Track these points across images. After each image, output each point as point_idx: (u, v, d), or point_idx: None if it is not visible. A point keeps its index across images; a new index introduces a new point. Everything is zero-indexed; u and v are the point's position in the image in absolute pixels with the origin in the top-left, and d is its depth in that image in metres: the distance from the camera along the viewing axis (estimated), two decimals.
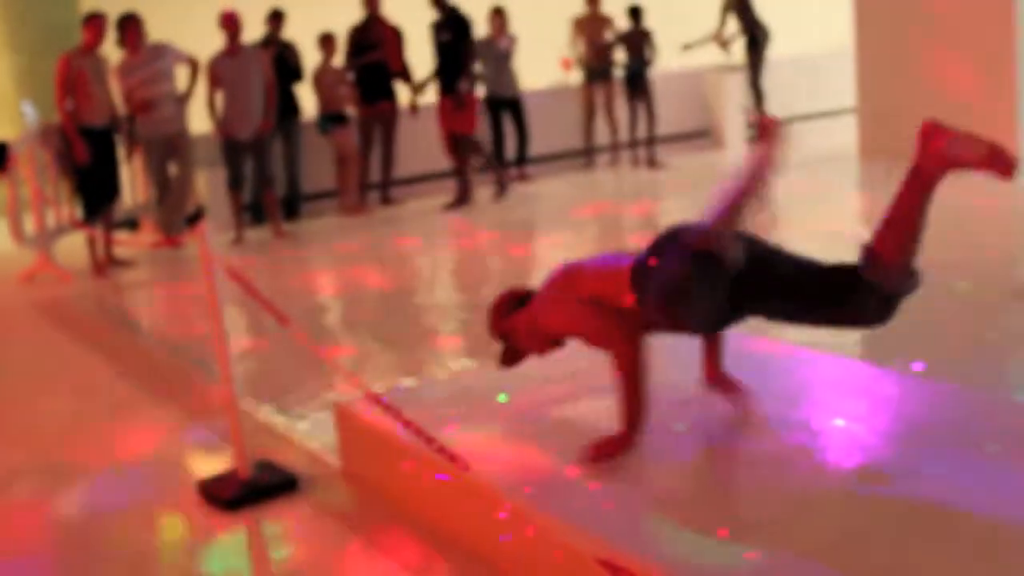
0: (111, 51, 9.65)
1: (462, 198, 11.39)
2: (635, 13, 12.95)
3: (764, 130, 3.58)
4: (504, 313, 4.02)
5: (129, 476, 4.74)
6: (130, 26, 9.62)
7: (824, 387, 4.21)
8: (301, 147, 11.39)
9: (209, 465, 4.66)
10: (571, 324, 3.76)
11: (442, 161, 11.78)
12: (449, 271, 8.98)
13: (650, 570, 2.87)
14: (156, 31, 10.03)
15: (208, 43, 10.34)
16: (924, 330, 5.74)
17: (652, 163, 12.97)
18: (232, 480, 4.40)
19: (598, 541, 3.03)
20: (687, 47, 14.03)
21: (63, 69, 9.11)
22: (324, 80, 11.33)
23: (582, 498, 3.36)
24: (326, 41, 11.36)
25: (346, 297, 8.45)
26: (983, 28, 10.41)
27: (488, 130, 12.54)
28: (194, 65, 9.90)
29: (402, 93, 11.74)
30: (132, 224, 11.23)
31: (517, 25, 12.70)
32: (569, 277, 3.80)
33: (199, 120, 10.39)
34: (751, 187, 3.46)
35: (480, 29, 12.37)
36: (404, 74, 11.66)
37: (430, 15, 11.33)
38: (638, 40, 12.91)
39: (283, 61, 10.98)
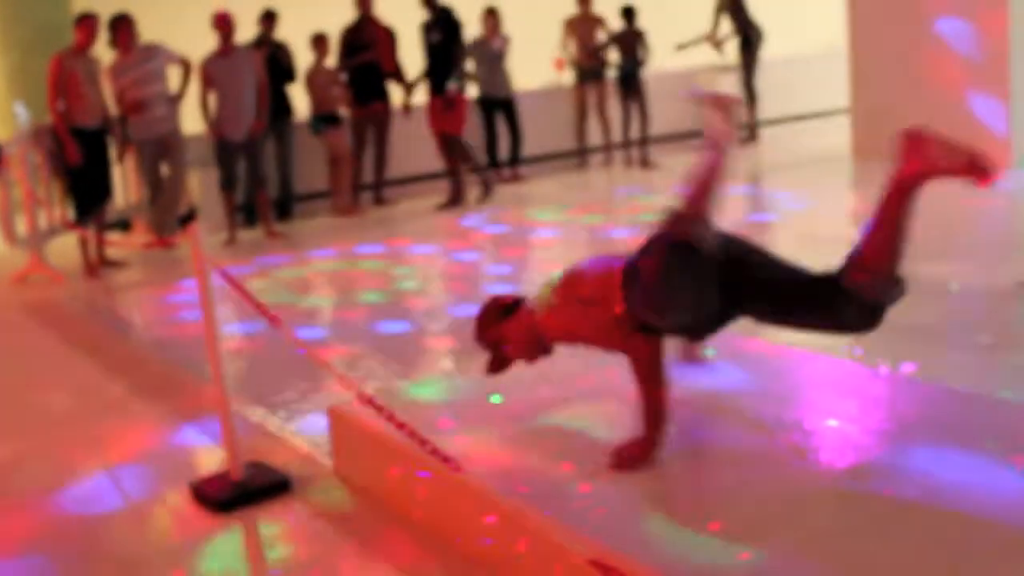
0: (103, 52, 9.64)
1: (455, 198, 11.39)
2: (628, 13, 12.96)
3: (715, 106, 3.60)
4: (492, 321, 4.01)
5: (121, 477, 4.73)
6: (122, 27, 9.60)
7: (816, 387, 4.22)
8: (294, 148, 11.38)
9: (201, 466, 4.65)
10: (578, 329, 3.73)
11: (435, 161, 11.79)
12: (442, 272, 8.97)
13: (642, 571, 2.86)
14: (148, 32, 10.01)
15: (200, 44, 10.33)
16: (915, 330, 5.74)
17: (645, 163, 12.98)
18: (224, 481, 4.39)
19: (590, 541, 3.02)
20: (681, 47, 14.05)
21: (55, 70, 9.09)
22: (317, 81, 11.33)
23: (574, 499, 3.36)
24: (319, 41, 11.36)
25: (338, 298, 8.44)
26: (976, 28, 10.43)
27: (482, 130, 12.55)
28: (186, 66, 9.89)
29: (395, 94, 11.73)
30: (124, 225, 11.22)
31: (510, 26, 12.70)
32: (570, 282, 3.79)
33: (191, 121, 10.38)
34: (715, 166, 3.48)
35: (473, 29, 12.37)
36: (397, 75, 11.65)
37: (422, 15, 11.32)
38: (631, 40, 12.92)
39: (276, 62, 10.98)
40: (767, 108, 14.27)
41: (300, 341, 4.37)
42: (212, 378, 4.37)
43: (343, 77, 11.48)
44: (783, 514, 3.13)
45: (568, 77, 13.59)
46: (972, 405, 3.94)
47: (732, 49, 14.16)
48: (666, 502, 3.34)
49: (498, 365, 4.08)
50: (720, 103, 3.66)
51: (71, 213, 9.62)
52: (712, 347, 4.42)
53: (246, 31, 10.89)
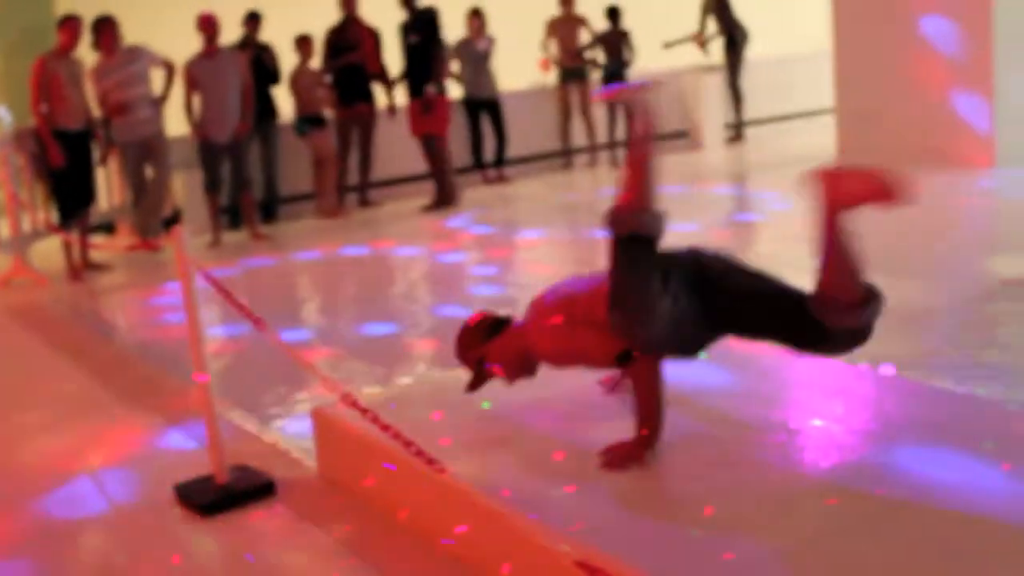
0: (86, 54, 9.60)
1: (441, 200, 11.37)
2: (613, 14, 12.96)
3: (626, 99, 3.62)
4: (477, 340, 4.00)
5: (105, 481, 4.70)
6: (105, 29, 9.57)
7: (802, 387, 4.22)
8: (278, 149, 11.35)
9: (186, 470, 4.62)
10: (573, 348, 3.72)
11: (420, 163, 11.76)
12: (427, 273, 8.96)
13: (628, 572, 2.86)
14: (132, 34, 9.98)
15: (184, 45, 10.30)
16: (898, 329, 5.75)
17: None
18: (209, 485, 4.37)
19: (576, 543, 3.02)
20: (668, 45, 14.07)
21: (38, 72, 9.05)
22: (301, 82, 11.30)
23: (560, 500, 3.35)
24: (303, 43, 11.34)
25: (323, 300, 8.43)
26: (960, 28, 10.46)
27: (467, 131, 12.53)
28: (170, 68, 9.86)
29: (380, 95, 11.71)
30: (108, 228, 11.18)
31: (495, 26, 12.69)
32: (563, 302, 3.78)
33: (175, 123, 10.34)
34: (643, 155, 3.52)
35: (458, 30, 12.36)
36: (382, 76, 11.63)
37: (404, 16, 11.29)
38: (616, 41, 12.92)
39: (260, 63, 10.95)
40: (752, 108, 14.28)
41: (284, 343, 4.35)
42: (196, 381, 4.35)
43: (328, 78, 11.46)
44: (770, 514, 3.13)
45: (553, 78, 13.58)
46: (958, 405, 3.95)
47: (717, 49, 14.17)
48: (653, 503, 3.34)
49: (478, 383, 4.08)
50: (629, 95, 3.67)
51: (54, 216, 9.57)
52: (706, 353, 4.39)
53: (230, 33, 10.86)
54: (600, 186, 12.44)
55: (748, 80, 13.98)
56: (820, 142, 12.37)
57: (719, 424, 3.85)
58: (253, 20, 11.26)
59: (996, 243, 8.16)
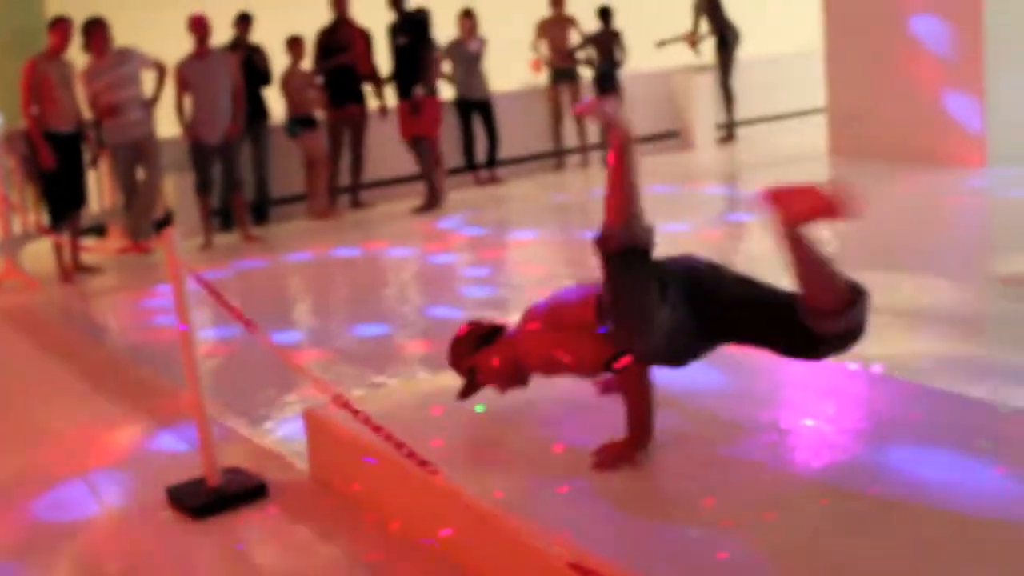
0: (77, 56, 9.58)
1: (432, 201, 11.35)
2: (605, 14, 12.96)
3: (597, 111, 3.62)
4: (469, 349, 4.01)
5: (97, 484, 4.70)
6: (96, 30, 9.54)
7: (793, 387, 4.21)
8: (270, 151, 11.33)
9: (178, 472, 4.61)
10: (562, 357, 3.73)
11: (412, 164, 11.74)
12: (419, 274, 8.95)
13: (621, 573, 2.86)
14: (122, 35, 9.95)
15: (175, 47, 10.27)
16: (892, 328, 5.76)
17: None
18: (201, 487, 4.36)
19: (569, 544, 3.01)
20: (662, 44, 14.07)
21: (28, 74, 9.03)
22: (292, 83, 11.28)
23: (552, 502, 3.35)
24: (294, 44, 11.31)
25: (315, 301, 8.42)
26: (951, 27, 10.47)
27: (459, 132, 12.52)
28: (160, 69, 9.84)
29: (371, 96, 11.70)
30: (99, 230, 11.15)
31: (487, 27, 12.68)
32: (552, 311, 3.79)
33: (167, 124, 10.32)
34: (623, 167, 3.50)
35: (450, 31, 12.35)
36: (373, 77, 11.61)
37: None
38: (608, 41, 12.92)
39: (251, 65, 10.93)
40: (744, 108, 14.29)
41: (276, 345, 4.35)
42: (187, 383, 4.34)
43: (319, 80, 11.44)
44: (762, 514, 3.13)
45: (544, 78, 13.58)
46: (949, 405, 3.95)
47: (709, 49, 14.18)
48: (645, 503, 3.34)
49: (470, 391, 4.08)
50: (599, 107, 3.66)
51: (45, 218, 9.55)
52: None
53: (221, 34, 10.84)
54: (592, 186, 12.43)
55: (739, 80, 13.99)
56: (811, 141, 12.38)
57: (711, 424, 3.85)
58: (244, 21, 11.23)
59: (988, 242, 8.17)
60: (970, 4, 10.26)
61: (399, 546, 3.75)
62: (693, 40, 14.10)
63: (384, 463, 3.83)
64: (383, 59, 11.62)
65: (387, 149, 11.78)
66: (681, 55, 14.42)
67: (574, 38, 13.16)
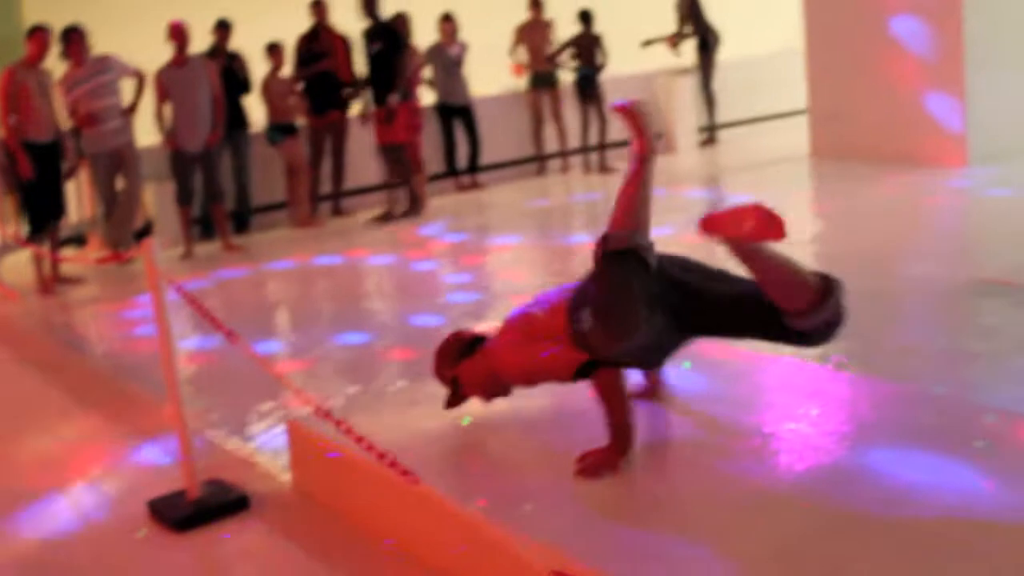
0: (55, 64, 9.52)
1: (412, 208, 11.31)
2: (585, 17, 12.94)
3: (630, 117, 3.65)
4: (452, 358, 4.00)
5: (78, 498, 4.66)
6: (74, 38, 9.49)
7: (775, 390, 4.21)
8: (250, 159, 11.27)
9: (159, 485, 4.58)
10: (535, 366, 3.73)
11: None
12: (401, 282, 8.92)
13: None
14: (101, 43, 9.90)
15: (154, 55, 10.22)
16: (874, 329, 5.76)
17: (604, 168, 12.96)
18: (182, 500, 4.33)
19: (552, 552, 2.99)
20: (647, 43, 14.07)
21: (6, 83, 8.96)
22: (272, 90, 11.24)
23: (535, 509, 3.33)
24: (273, 51, 11.27)
25: (297, 310, 8.38)
26: (931, 28, 10.50)
27: (440, 137, 12.49)
28: (139, 77, 9.80)
29: (353, 103, 11.66)
30: (79, 240, 11.08)
31: (468, 31, 12.66)
32: (522, 322, 3.79)
33: (146, 133, 10.28)
34: (637, 177, 3.56)
35: (430, 35, 12.32)
36: (354, 84, 11.58)
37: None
38: (589, 44, 12.91)
39: (231, 72, 10.88)
40: (725, 111, 14.30)
41: (257, 355, 4.31)
42: (168, 395, 4.31)
43: (299, 87, 11.40)
44: (746, 519, 3.12)
45: (524, 83, 13.55)
46: (932, 404, 3.95)
47: (689, 52, 14.19)
48: (628, 510, 3.33)
49: (456, 400, 4.07)
50: (635, 113, 3.68)
51: (24, 229, 9.49)
52: (687, 360, 4.37)
53: (200, 42, 10.79)
54: (573, 192, 12.44)
55: (720, 82, 14.00)
56: (793, 143, 12.40)
57: (694, 429, 3.84)
58: (223, 29, 11.17)
59: (969, 242, 8.19)
60: (949, 4, 10.29)
61: (382, 557, 3.72)
62: (673, 42, 14.11)
63: (366, 473, 3.81)
64: (363, 65, 11.58)
65: (368, 156, 11.74)
66: (662, 58, 14.42)
67: (552, 43, 13.13)
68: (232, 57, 11.11)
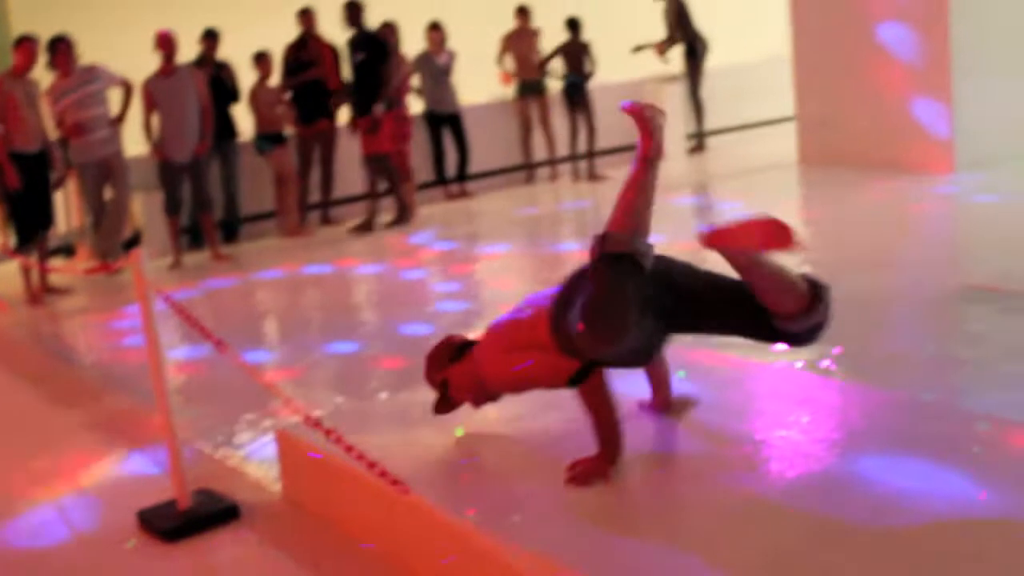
0: (42, 74, 9.50)
1: (401, 216, 11.30)
2: (573, 25, 12.95)
3: (640, 119, 3.65)
4: (442, 363, 3.99)
5: (67, 508, 4.64)
6: (61, 48, 9.47)
7: (766, 397, 4.21)
8: (239, 168, 11.25)
9: (149, 495, 4.56)
10: (519, 375, 3.73)
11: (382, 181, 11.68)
12: (390, 291, 8.91)
13: None
14: (88, 53, 9.88)
15: (141, 64, 10.21)
16: (861, 335, 5.77)
17: (593, 176, 12.97)
18: (172, 510, 4.32)
19: (542, 561, 2.99)
20: (638, 49, 14.07)
21: None
22: (261, 100, 11.22)
23: (525, 518, 3.33)
24: (261, 60, 11.25)
25: (286, 320, 8.36)
26: (918, 34, 10.53)
27: (429, 146, 12.48)
28: (127, 87, 9.78)
29: (340, 111, 11.65)
30: (68, 250, 11.06)
31: (456, 40, 12.66)
32: (504, 331, 3.79)
33: (134, 143, 10.26)
34: (641, 180, 3.57)
35: (418, 44, 12.31)
36: (342, 92, 11.56)
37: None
38: (577, 52, 12.92)
39: (219, 82, 10.86)
40: (713, 118, 14.32)
41: (247, 365, 4.30)
42: (157, 405, 4.30)
43: (287, 96, 11.39)
44: (737, 527, 3.12)
45: (512, 91, 13.55)
46: (921, 411, 3.95)
47: (677, 59, 14.20)
48: (619, 518, 3.32)
49: (445, 406, 4.07)
50: (645, 116, 3.69)
51: (12, 240, 9.46)
52: (681, 369, 4.37)
53: (188, 51, 10.78)
54: (562, 200, 12.43)
55: (708, 89, 14.02)
56: (781, 150, 12.42)
57: (684, 436, 3.84)
58: (210, 38, 11.15)
59: (957, 249, 8.21)
60: (936, 11, 10.33)
61: (372, 566, 3.71)
62: (662, 49, 14.12)
63: (356, 482, 3.80)
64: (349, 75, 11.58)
65: (357, 165, 11.73)
66: (651, 65, 14.44)
67: (538, 52, 13.13)
68: (220, 66, 11.10)
